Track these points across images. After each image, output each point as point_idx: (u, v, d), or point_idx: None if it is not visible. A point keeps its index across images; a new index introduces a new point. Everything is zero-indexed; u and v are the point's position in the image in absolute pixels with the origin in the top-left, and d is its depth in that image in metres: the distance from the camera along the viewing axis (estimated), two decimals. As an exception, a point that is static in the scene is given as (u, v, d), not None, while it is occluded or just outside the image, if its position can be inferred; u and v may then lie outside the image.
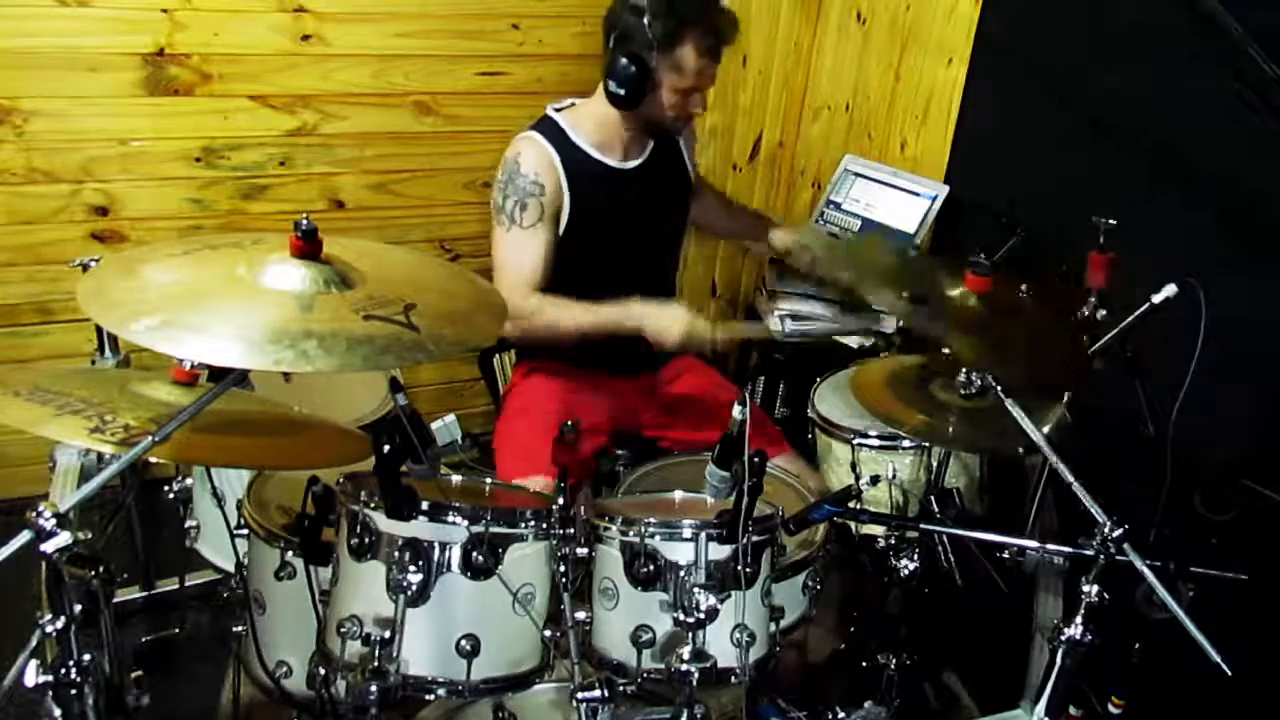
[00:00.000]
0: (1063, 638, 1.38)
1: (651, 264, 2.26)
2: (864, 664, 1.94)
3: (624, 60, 1.93)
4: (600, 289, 2.04)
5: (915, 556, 1.78)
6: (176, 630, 2.33)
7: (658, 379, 2.30)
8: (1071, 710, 1.73)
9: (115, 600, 1.40)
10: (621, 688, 1.38)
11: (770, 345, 2.53)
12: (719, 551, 1.39)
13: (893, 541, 1.82)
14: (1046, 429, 1.70)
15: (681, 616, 1.35)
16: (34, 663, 1.17)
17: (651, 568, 1.39)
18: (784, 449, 2.16)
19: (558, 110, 2.09)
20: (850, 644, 2.16)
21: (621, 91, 1.95)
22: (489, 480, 1.70)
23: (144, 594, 2.44)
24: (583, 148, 2.05)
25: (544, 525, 1.40)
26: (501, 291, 1.96)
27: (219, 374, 1.28)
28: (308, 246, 1.25)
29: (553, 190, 2.01)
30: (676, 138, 2.21)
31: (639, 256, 2.19)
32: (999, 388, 1.51)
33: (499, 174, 2.03)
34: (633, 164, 2.13)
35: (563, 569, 1.41)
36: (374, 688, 1.26)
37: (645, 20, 1.90)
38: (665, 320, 1.97)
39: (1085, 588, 1.36)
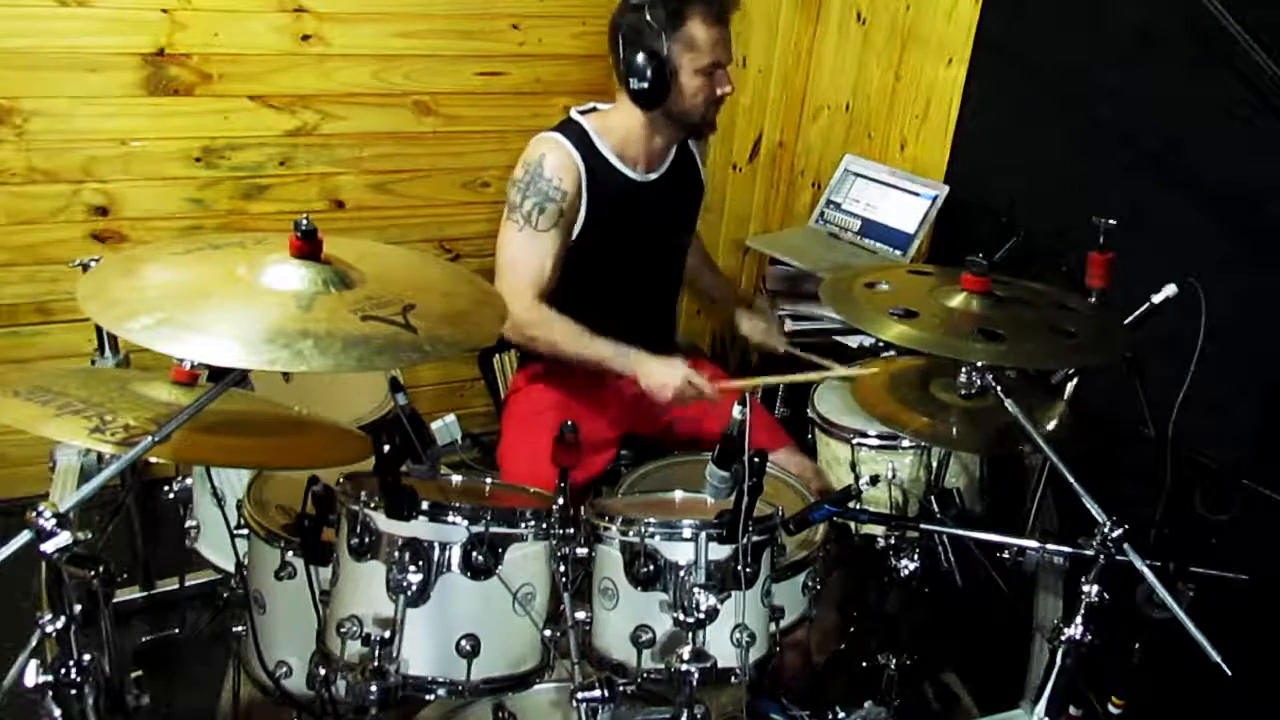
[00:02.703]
0: (1063, 638, 1.38)
1: (658, 276, 2.27)
2: (864, 664, 1.94)
3: (639, 57, 1.93)
4: (605, 297, 2.05)
5: (915, 556, 1.78)
6: (176, 630, 2.33)
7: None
8: (1071, 710, 1.72)
9: (115, 600, 1.41)
10: (621, 688, 1.38)
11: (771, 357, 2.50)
12: (719, 551, 1.39)
13: (893, 541, 1.82)
14: (1046, 429, 1.70)
15: (681, 616, 1.35)
16: (34, 663, 1.18)
17: (651, 568, 1.39)
18: (785, 442, 2.17)
19: (581, 114, 2.09)
20: (850, 644, 2.16)
21: (645, 85, 1.95)
22: (489, 480, 1.70)
23: (144, 594, 2.44)
24: (606, 156, 2.05)
25: (544, 525, 1.40)
26: (505, 290, 1.98)
27: (219, 374, 1.28)
28: (307, 246, 1.25)
29: (572, 197, 2.00)
30: (695, 144, 2.21)
31: (647, 268, 2.20)
32: (999, 388, 1.51)
33: (518, 172, 2.02)
34: (652, 176, 2.13)
35: (563, 569, 1.41)
36: (374, 688, 1.25)
37: (646, 13, 1.91)
38: (664, 376, 1.96)
39: (1085, 588, 1.36)
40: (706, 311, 3.19)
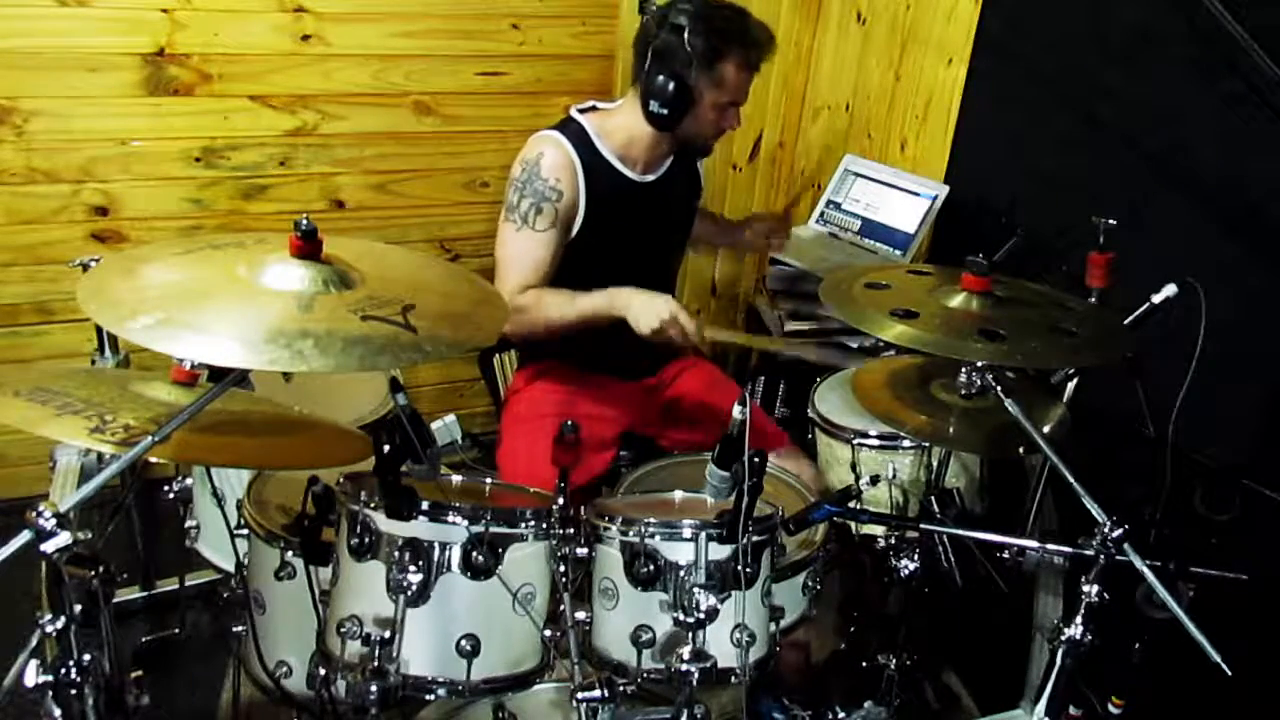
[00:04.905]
0: (1063, 638, 1.38)
1: (654, 274, 2.26)
2: (864, 664, 1.94)
3: (663, 79, 1.93)
4: None
5: (915, 556, 1.78)
6: (176, 630, 2.33)
7: (660, 380, 2.30)
8: (1071, 710, 1.72)
9: (115, 600, 1.40)
10: (621, 688, 1.38)
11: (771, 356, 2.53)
12: (719, 551, 1.39)
13: (893, 541, 1.82)
14: (1046, 429, 1.70)
15: (681, 616, 1.35)
16: (34, 663, 1.17)
17: (651, 568, 1.39)
18: (784, 444, 2.17)
19: (581, 112, 2.08)
20: (850, 644, 2.16)
21: (665, 111, 1.95)
22: (489, 480, 1.70)
23: (144, 594, 2.44)
24: (606, 157, 2.04)
25: (544, 525, 1.40)
26: (502, 288, 1.98)
27: (219, 374, 1.28)
28: (307, 246, 1.26)
29: (570, 197, 2.00)
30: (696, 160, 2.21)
31: (643, 267, 2.19)
32: (999, 388, 1.51)
33: (516, 171, 2.02)
34: (651, 177, 2.13)
35: (563, 569, 1.41)
36: (374, 688, 1.26)
37: (685, 37, 1.90)
38: (648, 308, 1.90)
39: (1085, 588, 1.36)
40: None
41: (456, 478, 1.65)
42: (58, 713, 1.20)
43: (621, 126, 2.06)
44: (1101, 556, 1.33)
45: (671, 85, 1.93)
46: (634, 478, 1.95)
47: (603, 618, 1.44)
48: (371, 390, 2.13)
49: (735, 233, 2.50)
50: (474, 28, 2.79)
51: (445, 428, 3.11)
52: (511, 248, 2.02)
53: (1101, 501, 1.34)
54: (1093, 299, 1.78)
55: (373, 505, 1.34)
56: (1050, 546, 1.43)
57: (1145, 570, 1.28)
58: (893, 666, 1.88)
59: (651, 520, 1.40)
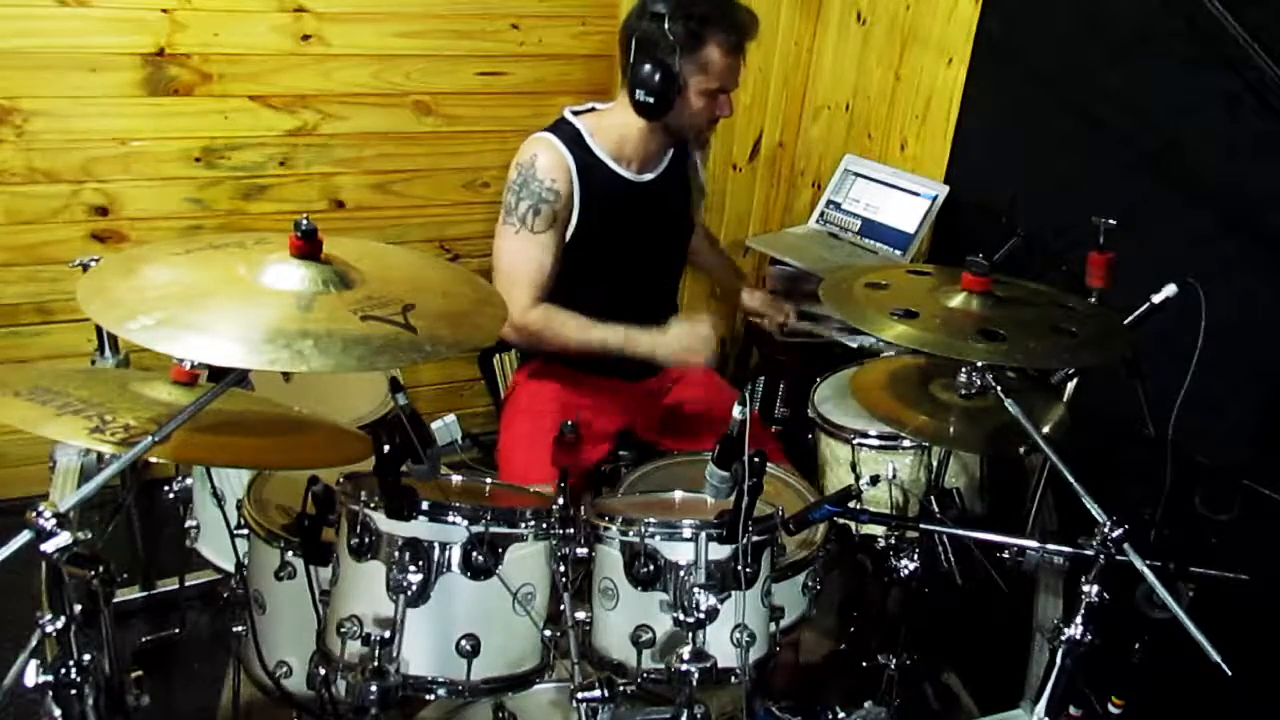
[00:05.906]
0: (1063, 638, 1.38)
1: (656, 277, 2.26)
2: (864, 664, 1.94)
3: (648, 67, 1.92)
4: (603, 298, 2.04)
5: (915, 556, 1.78)
6: (176, 630, 2.33)
7: (660, 382, 2.30)
8: (1071, 710, 1.72)
9: (115, 600, 1.40)
10: (621, 688, 1.38)
11: (770, 345, 2.53)
12: (719, 551, 1.39)
13: (893, 541, 1.82)
14: (1046, 429, 1.70)
15: (681, 616, 1.35)
16: (34, 663, 1.18)
17: (651, 568, 1.39)
18: (778, 457, 2.15)
19: (576, 114, 2.08)
20: (850, 644, 2.16)
21: (651, 100, 1.94)
22: (489, 480, 1.70)
23: (144, 594, 2.44)
24: (600, 157, 2.04)
25: (544, 525, 1.40)
26: (505, 295, 1.97)
27: (219, 374, 1.28)
28: (307, 246, 1.26)
29: (565, 198, 2.00)
30: (692, 151, 2.21)
31: (644, 269, 2.19)
32: (999, 388, 1.51)
33: (512, 174, 2.02)
34: (648, 176, 2.12)
35: (563, 569, 1.41)
36: (374, 688, 1.26)
37: (665, 24, 1.89)
38: (677, 346, 2.01)
39: (1085, 588, 1.36)
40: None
41: (456, 478, 1.65)
42: (58, 713, 1.20)
43: (614, 125, 2.05)
44: (1101, 556, 1.32)
45: (656, 73, 1.92)
46: (634, 478, 1.95)
47: (603, 618, 1.44)
48: (371, 390, 2.13)
49: (731, 277, 2.55)
50: (474, 28, 2.79)
51: (445, 428, 3.09)
52: (512, 252, 2.02)
53: (1101, 501, 1.34)
54: (1093, 299, 1.78)
55: (373, 505, 1.34)
56: (1050, 546, 1.43)
57: (1145, 570, 1.28)
58: (893, 666, 1.88)
59: (651, 520, 1.40)
